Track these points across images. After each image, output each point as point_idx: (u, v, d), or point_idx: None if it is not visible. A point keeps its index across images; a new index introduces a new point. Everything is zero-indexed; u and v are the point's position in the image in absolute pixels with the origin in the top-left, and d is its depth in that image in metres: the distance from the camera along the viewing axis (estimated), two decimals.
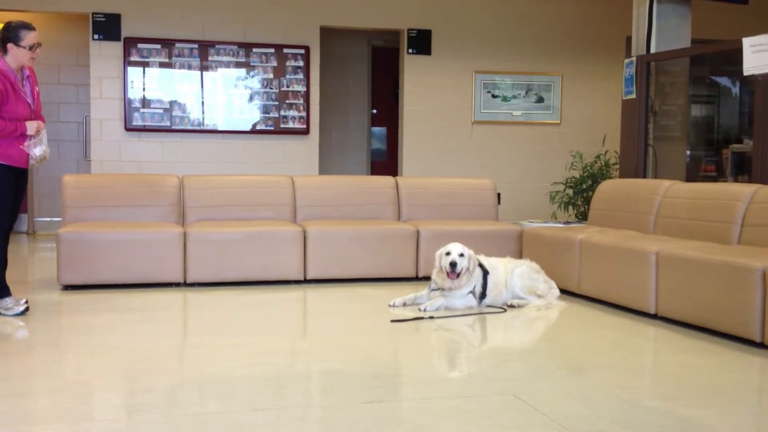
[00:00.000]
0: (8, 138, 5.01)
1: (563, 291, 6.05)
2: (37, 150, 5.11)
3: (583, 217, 8.45)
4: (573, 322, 5.42)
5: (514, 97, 10.40)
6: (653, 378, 4.24)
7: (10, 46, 4.98)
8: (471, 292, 5.56)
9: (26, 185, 5.38)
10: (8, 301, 5.16)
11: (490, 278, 5.65)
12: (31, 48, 5.02)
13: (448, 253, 5.48)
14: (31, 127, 5.07)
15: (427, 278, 6.05)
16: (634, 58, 7.88)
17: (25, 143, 5.07)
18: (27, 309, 5.18)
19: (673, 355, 4.57)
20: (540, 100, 10.47)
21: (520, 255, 6.80)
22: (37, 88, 5.27)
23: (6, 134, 4.97)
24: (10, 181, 5.08)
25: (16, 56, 5.01)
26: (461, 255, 5.48)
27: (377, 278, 6.75)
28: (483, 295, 5.62)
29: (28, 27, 5.05)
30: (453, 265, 5.43)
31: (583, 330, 5.21)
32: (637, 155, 7.81)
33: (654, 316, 5.33)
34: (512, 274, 5.74)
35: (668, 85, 8.17)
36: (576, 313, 5.62)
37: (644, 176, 7.76)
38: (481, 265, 5.66)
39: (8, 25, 5.02)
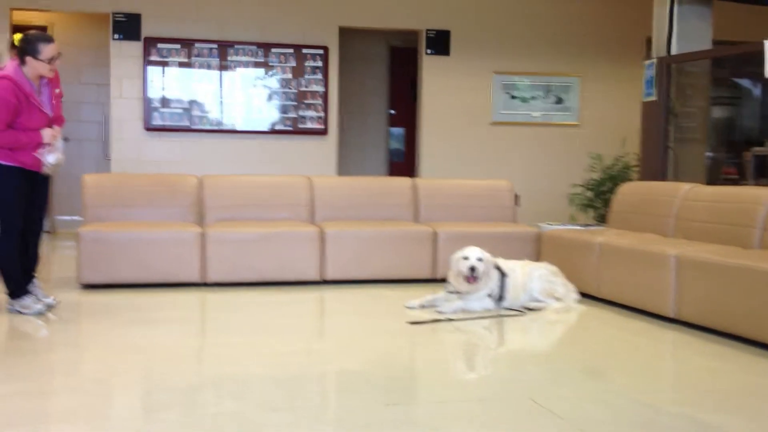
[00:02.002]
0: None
1: (582, 294, 6.02)
2: (50, 157, 5.07)
3: (602, 219, 8.41)
4: (592, 326, 5.39)
5: (533, 98, 10.37)
6: (673, 382, 4.20)
7: (28, 59, 4.92)
8: (489, 294, 5.54)
9: (47, 188, 5.31)
10: (27, 300, 5.19)
11: (507, 281, 5.62)
12: (49, 61, 4.97)
13: (465, 258, 5.46)
14: (46, 135, 5.03)
15: (445, 280, 6.04)
16: (654, 60, 7.84)
17: (39, 150, 5.03)
18: (46, 307, 5.21)
19: (692, 360, 4.53)
20: (559, 101, 10.43)
21: (538, 257, 6.77)
22: (57, 90, 5.20)
23: (21, 146, 4.95)
24: (20, 183, 5.03)
25: (34, 68, 4.95)
26: (479, 259, 5.46)
27: (394, 279, 6.74)
28: (501, 298, 5.59)
29: (47, 39, 4.99)
30: (472, 269, 5.41)
31: (601, 333, 5.18)
32: (657, 158, 7.76)
33: (673, 320, 5.29)
34: (530, 276, 5.71)
35: (689, 86, 8.11)
36: (595, 317, 5.59)
37: (664, 179, 7.71)
38: (498, 268, 5.63)
39: (26, 37, 4.98)
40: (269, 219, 6.94)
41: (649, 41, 8.38)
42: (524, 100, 10.34)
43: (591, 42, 10.44)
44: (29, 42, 4.95)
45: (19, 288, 5.19)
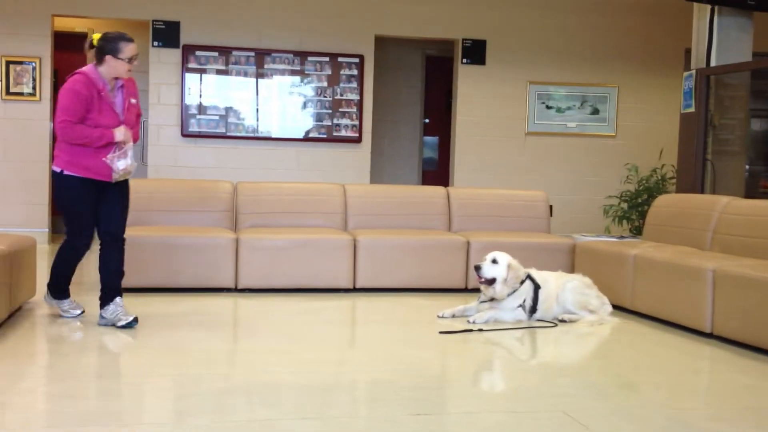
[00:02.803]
0: (90, 149, 4.80)
1: (616, 307, 5.95)
2: (120, 163, 4.83)
3: (637, 231, 8.32)
4: (625, 339, 5.33)
5: (569, 108, 10.30)
6: (708, 399, 4.14)
7: (108, 58, 4.81)
8: (521, 305, 5.51)
9: (125, 196, 5.12)
10: (65, 304, 5.22)
11: (541, 293, 5.58)
12: (129, 60, 4.86)
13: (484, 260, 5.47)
14: (119, 133, 4.83)
15: (477, 290, 6.01)
16: (693, 72, 7.75)
17: (108, 156, 4.82)
18: (82, 312, 5.24)
19: (728, 376, 4.46)
20: (595, 111, 10.35)
21: (572, 269, 6.71)
22: (133, 100, 5.02)
23: (90, 142, 4.77)
24: (85, 195, 4.88)
25: (113, 68, 4.84)
26: (494, 261, 5.44)
27: (426, 288, 6.72)
28: (533, 310, 5.55)
29: (127, 39, 4.88)
30: (477, 268, 5.42)
31: (635, 347, 5.12)
32: (695, 170, 7.66)
33: (709, 335, 5.21)
34: (564, 288, 5.66)
35: (728, 98, 8.01)
36: (629, 330, 5.53)
37: (702, 191, 7.61)
38: (532, 279, 5.59)
39: (107, 36, 4.88)
40: (302, 226, 6.96)
41: (688, 52, 8.29)
42: (560, 110, 10.28)
43: (629, 52, 10.34)
44: (110, 40, 4.85)
45: (60, 292, 5.21)
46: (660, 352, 4.95)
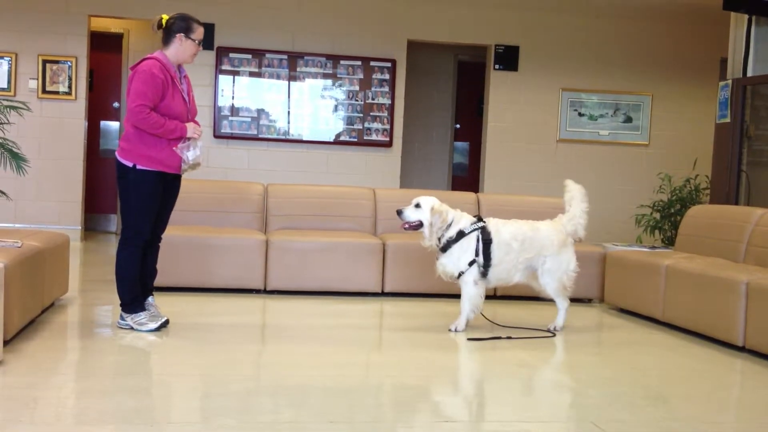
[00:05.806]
0: (162, 140, 4.70)
1: (646, 318, 5.88)
2: (190, 153, 4.74)
3: (669, 242, 8.24)
4: (656, 351, 5.27)
5: (602, 116, 10.22)
6: (738, 413, 4.08)
7: (179, 36, 4.71)
8: (474, 261, 5.21)
9: (176, 197, 5.03)
10: (142, 316, 4.90)
11: (494, 249, 5.25)
12: (198, 43, 4.78)
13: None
14: (191, 128, 4.77)
15: (505, 297, 5.98)
16: (729, 81, 7.66)
17: (179, 146, 4.73)
18: (166, 322, 4.97)
19: (760, 390, 4.39)
20: (628, 120, 10.26)
21: (602, 278, 6.65)
22: (192, 93, 5.00)
23: (163, 133, 4.66)
24: (156, 188, 4.75)
25: (182, 49, 4.75)
26: (417, 206, 5.24)
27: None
28: (486, 266, 5.24)
29: (198, 21, 4.81)
30: (398, 213, 5.25)
31: (666, 359, 5.06)
32: (729, 181, 7.57)
33: (741, 349, 5.14)
34: (543, 273, 5.39)
35: (764, 109, 7.90)
36: (659, 342, 5.47)
37: (736, 203, 7.51)
38: (484, 231, 5.28)
39: (180, 15, 4.78)
40: (332, 229, 6.97)
41: (723, 62, 8.20)
42: (592, 117, 10.21)
43: (664, 61, 10.25)
44: (184, 19, 4.76)
45: (135, 301, 4.90)
46: (690, 365, 4.89)
